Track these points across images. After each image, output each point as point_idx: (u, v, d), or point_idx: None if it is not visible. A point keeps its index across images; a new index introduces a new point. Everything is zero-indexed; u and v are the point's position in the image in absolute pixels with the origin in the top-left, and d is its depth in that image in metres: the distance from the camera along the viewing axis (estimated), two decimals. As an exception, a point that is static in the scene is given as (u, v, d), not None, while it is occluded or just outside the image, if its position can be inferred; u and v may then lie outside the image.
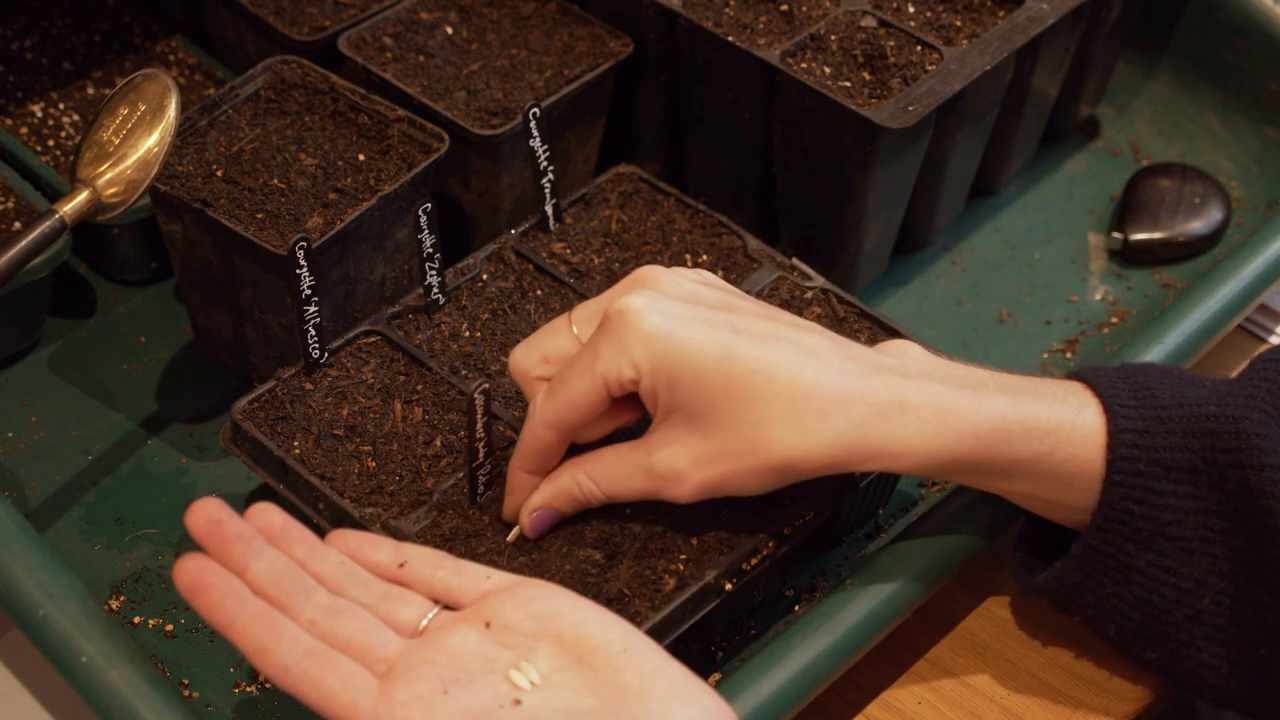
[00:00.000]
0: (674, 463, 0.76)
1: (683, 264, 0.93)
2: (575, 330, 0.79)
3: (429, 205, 0.86)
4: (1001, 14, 1.02)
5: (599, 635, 0.69)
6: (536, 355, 0.80)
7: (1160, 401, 0.77)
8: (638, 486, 0.78)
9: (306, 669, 0.68)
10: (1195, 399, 0.77)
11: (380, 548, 0.75)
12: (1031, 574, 0.82)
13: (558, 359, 0.79)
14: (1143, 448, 0.76)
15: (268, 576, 0.70)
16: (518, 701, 0.67)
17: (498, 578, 0.73)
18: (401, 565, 0.74)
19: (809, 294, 0.92)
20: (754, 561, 0.80)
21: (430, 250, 0.87)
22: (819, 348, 0.76)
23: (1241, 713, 0.81)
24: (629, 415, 0.79)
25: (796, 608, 0.87)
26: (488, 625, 0.70)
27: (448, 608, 0.72)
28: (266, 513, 0.73)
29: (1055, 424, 0.77)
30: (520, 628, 0.70)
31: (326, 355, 0.87)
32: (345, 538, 0.75)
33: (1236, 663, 0.78)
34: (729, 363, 0.74)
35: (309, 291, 0.83)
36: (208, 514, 0.70)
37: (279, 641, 0.68)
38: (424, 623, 0.71)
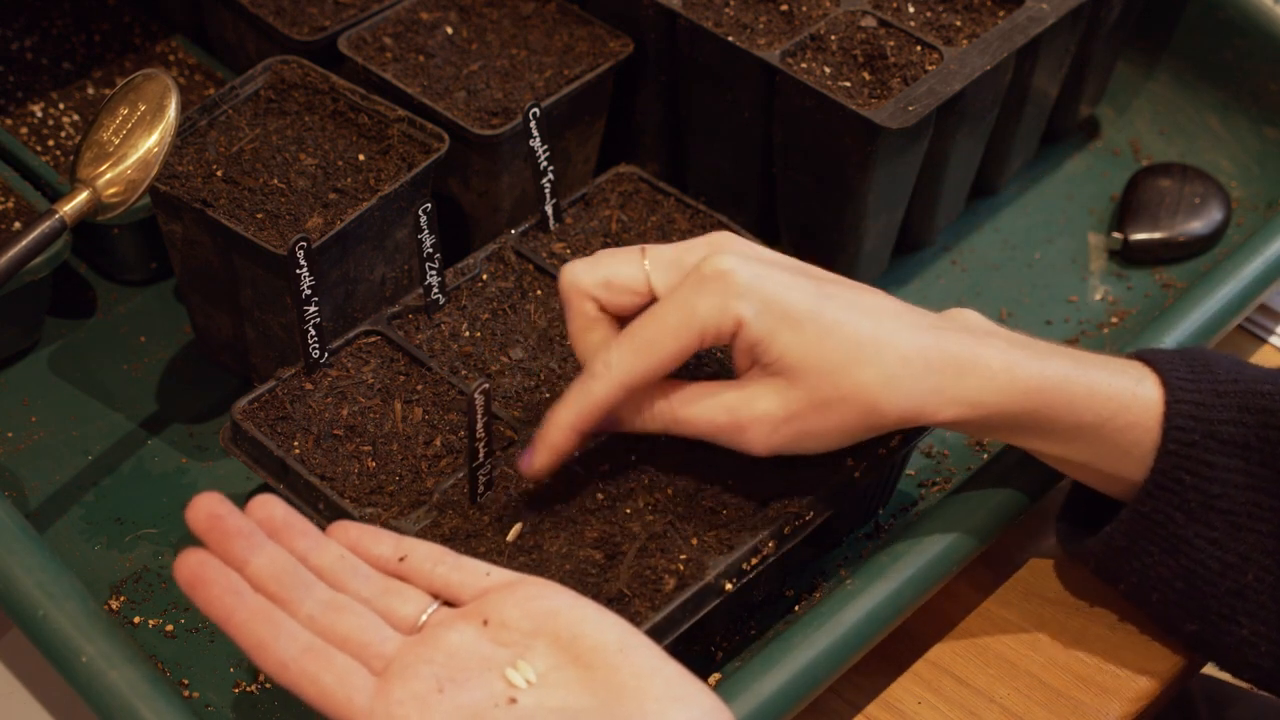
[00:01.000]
0: (762, 405, 0.77)
1: (683, 264, 0.94)
2: (647, 267, 0.79)
3: (429, 205, 0.86)
4: (1001, 14, 1.02)
5: (596, 634, 0.69)
6: (600, 275, 0.79)
7: (1217, 377, 0.79)
8: (717, 422, 0.78)
9: (304, 665, 0.68)
10: (1251, 377, 0.79)
11: (381, 541, 0.75)
12: (1076, 540, 0.84)
13: (620, 288, 0.79)
14: (1198, 419, 0.78)
15: (267, 571, 0.71)
16: (513, 700, 0.67)
17: (497, 574, 0.73)
18: (402, 559, 0.74)
19: (809, 294, 0.92)
20: (754, 561, 0.80)
21: (430, 250, 0.87)
22: (892, 305, 0.79)
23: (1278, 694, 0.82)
24: None
25: (796, 608, 0.87)
26: (485, 623, 0.70)
27: (447, 603, 0.72)
28: (268, 505, 0.73)
29: (1116, 390, 0.78)
30: (518, 626, 0.70)
31: (326, 355, 0.87)
32: (346, 530, 0.75)
33: (1276, 641, 0.79)
34: (820, 314, 0.76)
35: (309, 291, 0.83)
36: (208, 509, 0.71)
37: (277, 637, 0.68)
38: (423, 618, 0.71)
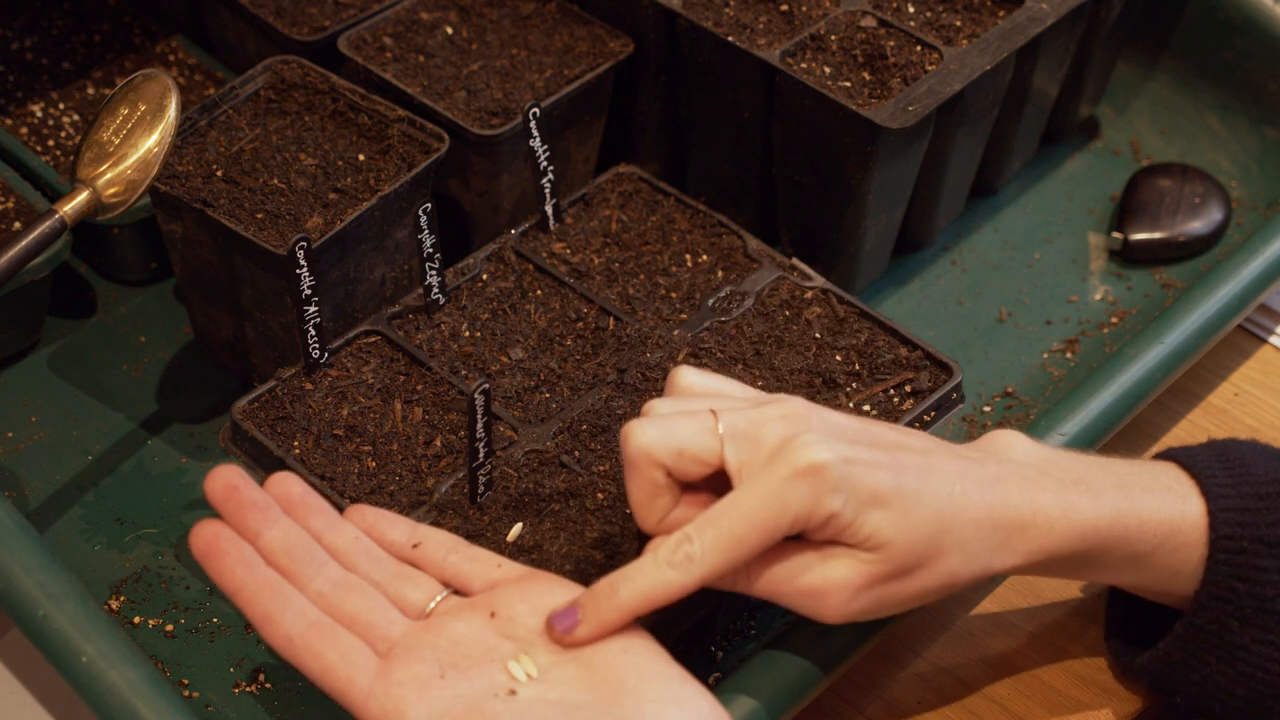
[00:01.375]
0: (843, 572, 0.73)
1: (683, 264, 0.93)
2: (722, 435, 0.73)
3: (429, 205, 0.86)
4: (1001, 14, 1.02)
5: None
6: (674, 444, 0.73)
7: (1256, 478, 0.78)
8: (796, 588, 0.74)
9: (309, 640, 0.69)
10: None
11: (396, 526, 0.76)
12: (1131, 656, 0.83)
13: (693, 458, 0.73)
14: (1245, 525, 0.77)
15: (279, 545, 0.72)
16: (512, 692, 0.68)
17: (509, 567, 0.73)
18: (415, 546, 0.75)
19: (809, 294, 0.92)
20: (754, 561, 0.80)
21: (430, 250, 0.87)
22: (953, 460, 0.75)
23: None
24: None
25: (796, 608, 0.87)
26: (493, 615, 0.70)
27: (457, 593, 0.73)
28: (286, 482, 0.75)
29: (1165, 515, 0.77)
30: (524, 621, 0.70)
31: (326, 355, 0.87)
32: (363, 513, 0.76)
33: None
34: (903, 489, 0.73)
35: (309, 291, 0.83)
36: (225, 480, 0.72)
37: (284, 611, 0.69)
38: (432, 605, 0.72)
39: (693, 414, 0.74)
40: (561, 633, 0.71)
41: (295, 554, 0.72)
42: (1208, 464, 0.79)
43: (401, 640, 0.70)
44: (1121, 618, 0.85)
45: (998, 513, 0.75)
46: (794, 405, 0.74)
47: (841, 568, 0.73)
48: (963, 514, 0.74)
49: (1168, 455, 0.81)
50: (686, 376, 0.77)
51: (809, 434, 0.72)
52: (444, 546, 0.74)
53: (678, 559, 0.71)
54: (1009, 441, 0.79)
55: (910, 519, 0.73)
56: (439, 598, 0.72)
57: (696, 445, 0.73)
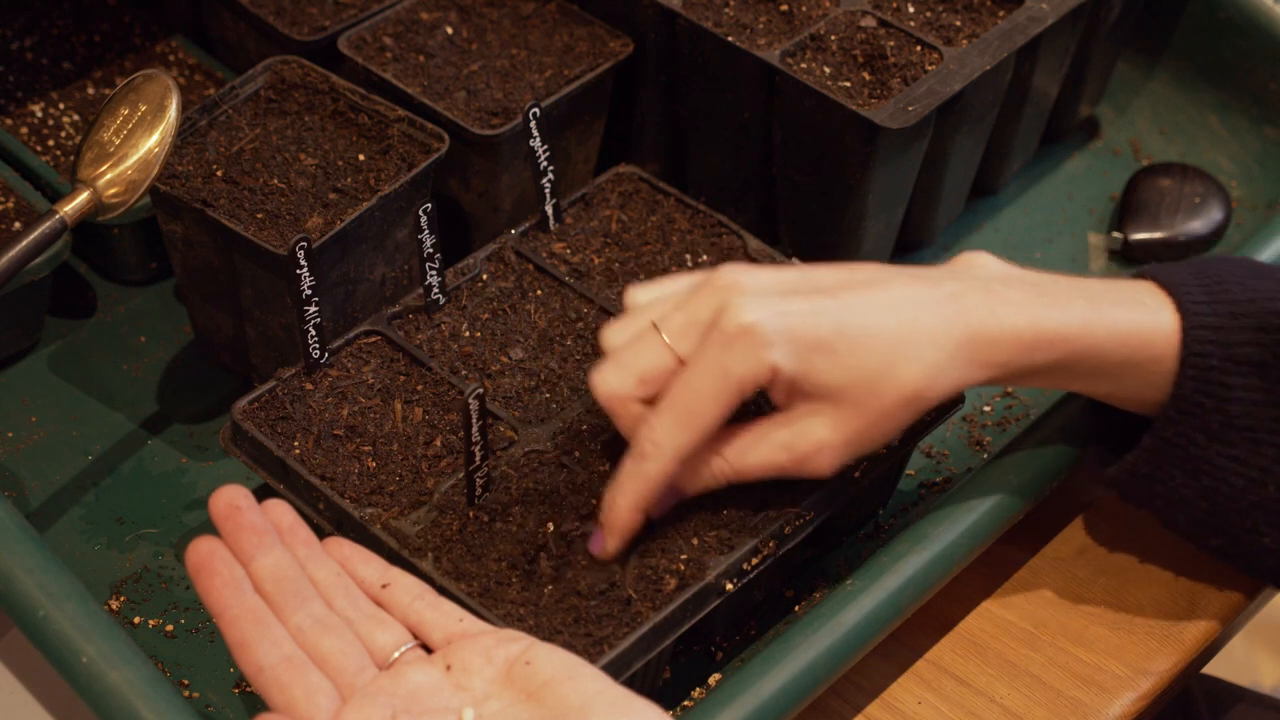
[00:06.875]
0: (818, 434, 0.77)
1: (683, 264, 0.93)
2: (669, 342, 0.77)
3: (429, 205, 0.86)
4: (1001, 14, 1.02)
5: (546, 669, 0.70)
6: (632, 377, 0.77)
7: (1232, 297, 0.80)
8: (778, 463, 0.78)
9: (279, 673, 0.70)
10: (1267, 294, 0.80)
11: (369, 564, 0.77)
12: (1105, 466, 0.85)
13: (655, 377, 0.78)
14: (1216, 343, 0.79)
15: (269, 573, 0.73)
16: None
17: (469, 622, 0.74)
18: (385, 586, 0.75)
19: (809, 294, 0.92)
20: (754, 561, 0.80)
21: (430, 250, 0.87)
22: (906, 286, 0.78)
23: None
24: None
25: (796, 608, 0.87)
26: (449, 668, 0.72)
27: (422, 642, 0.74)
28: (277, 510, 0.76)
29: (1136, 327, 0.79)
30: (479, 672, 0.71)
31: (326, 355, 0.87)
32: (340, 545, 0.77)
33: None
34: (847, 329, 0.76)
35: (309, 291, 0.83)
36: (229, 499, 0.74)
37: (261, 640, 0.71)
38: (396, 655, 0.73)
39: (640, 337, 0.78)
40: (599, 552, 0.78)
41: (282, 584, 0.73)
42: (1184, 281, 0.81)
43: (363, 687, 0.71)
44: (1106, 424, 0.86)
45: (958, 329, 0.77)
46: (724, 276, 0.78)
47: (815, 430, 0.77)
48: (918, 338, 0.76)
49: (1146, 273, 0.83)
50: (638, 297, 0.82)
51: (737, 298, 0.76)
52: (410, 592, 0.75)
53: (646, 449, 0.76)
54: (976, 261, 0.82)
55: (859, 355, 0.76)
56: (404, 648, 0.73)
57: (653, 365, 0.77)
